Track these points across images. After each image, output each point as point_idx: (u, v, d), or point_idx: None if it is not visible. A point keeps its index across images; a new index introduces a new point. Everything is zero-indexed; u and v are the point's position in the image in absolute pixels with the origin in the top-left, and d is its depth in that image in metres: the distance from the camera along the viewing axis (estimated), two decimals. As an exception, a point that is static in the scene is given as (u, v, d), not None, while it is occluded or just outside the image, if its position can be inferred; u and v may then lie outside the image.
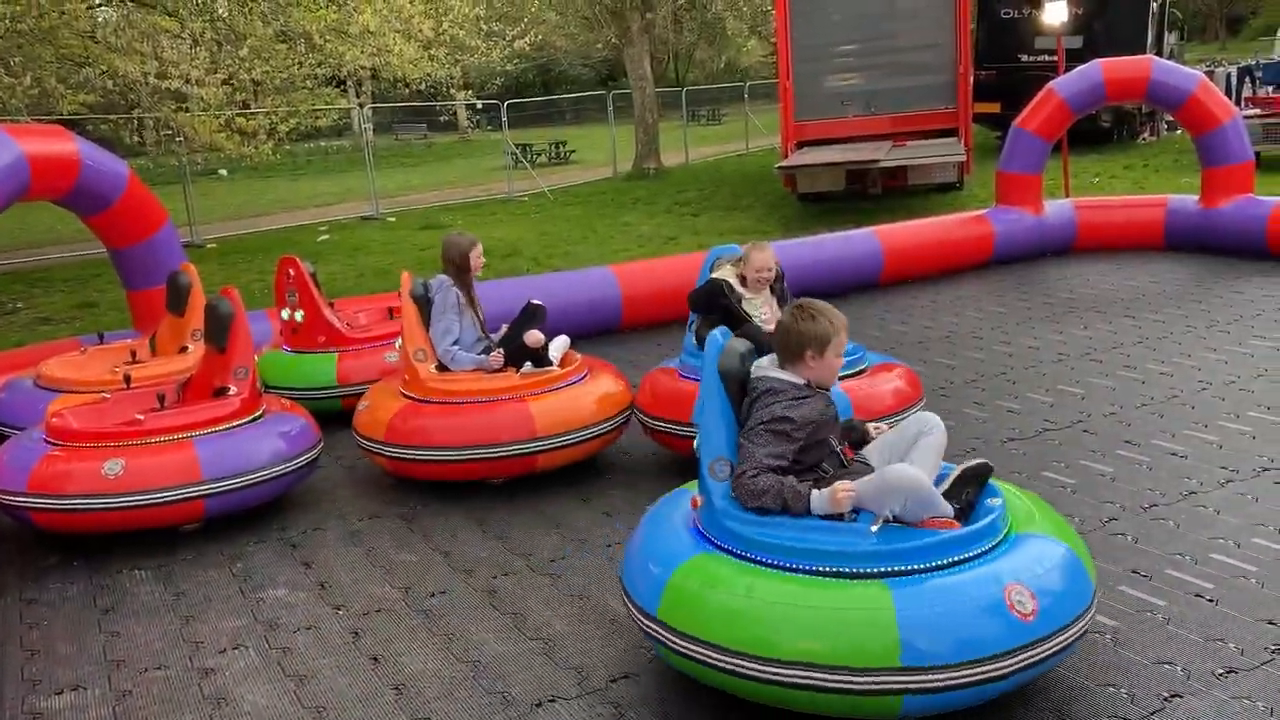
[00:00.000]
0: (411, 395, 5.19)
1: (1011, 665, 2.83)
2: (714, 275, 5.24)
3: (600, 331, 8.38)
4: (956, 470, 3.26)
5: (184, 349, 6.31)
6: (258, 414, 5.07)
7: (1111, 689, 3.17)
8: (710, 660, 2.97)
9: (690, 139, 26.53)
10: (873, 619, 2.82)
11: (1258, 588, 3.71)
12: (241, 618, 4.03)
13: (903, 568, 2.93)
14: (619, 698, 3.31)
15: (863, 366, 5.21)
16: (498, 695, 3.37)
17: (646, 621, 3.16)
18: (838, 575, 2.95)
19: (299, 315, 6.39)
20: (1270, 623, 3.48)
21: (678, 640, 3.04)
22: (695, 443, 3.44)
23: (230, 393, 5.09)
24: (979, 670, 2.80)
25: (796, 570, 3.00)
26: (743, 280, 5.18)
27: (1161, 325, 7.49)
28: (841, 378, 4.65)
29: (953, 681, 2.79)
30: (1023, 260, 10.17)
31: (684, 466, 5.29)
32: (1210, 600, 3.65)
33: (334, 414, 6.32)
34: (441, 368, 5.35)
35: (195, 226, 16.08)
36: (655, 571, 3.21)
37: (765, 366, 3.40)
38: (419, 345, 5.35)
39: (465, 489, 5.22)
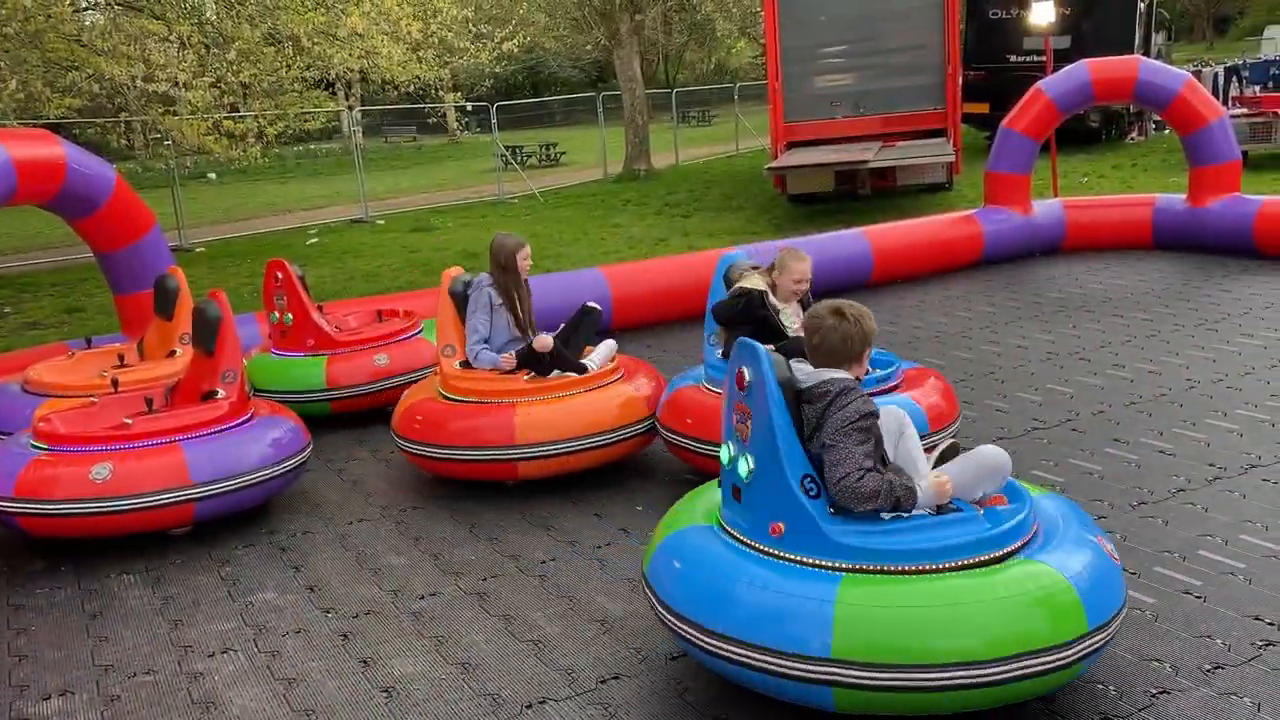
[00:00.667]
0: (440, 391, 5.26)
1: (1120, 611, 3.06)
2: (745, 285, 4.93)
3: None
4: (936, 453, 3.44)
5: (172, 353, 6.29)
6: (246, 417, 5.05)
7: (1100, 685, 3.17)
8: (921, 683, 2.77)
9: (680, 140, 26.55)
10: (1055, 594, 2.87)
11: (1245, 584, 3.73)
12: (230, 621, 4.02)
13: (1035, 542, 3.11)
14: (609, 698, 3.30)
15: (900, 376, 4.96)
16: (488, 697, 3.36)
17: (812, 667, 2.82)
18: (992, 562, 2.97)
19: (288, 318, 6.38)
20: (1258, 619, 3.49)
21: (868, 675, 2.77)
22: (727, 458, 3.21)
23: (218, 396, 5.07)
24: (1117, 620, 3.02)
25: (956, 568, 2.94)
26: (772, 288, 4.95)
27: (1149, 324, 7.52)
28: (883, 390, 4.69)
29: (1111, 634, 3.00)
30: (1011, 260, 10.20)
31: (670, 469, 5.30)
32: (1198, 597, 3.66)
33: (323, 417, 6.32)
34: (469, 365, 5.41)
35: (184, 230, 16.03)
36: (811, 605, 2.87)
37: (813, 370, 3.24)
38: (448, 341, 5.43)
39: (455, 491, 5.22)
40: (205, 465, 4.68)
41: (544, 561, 4.35)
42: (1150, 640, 3.41)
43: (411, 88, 14.44)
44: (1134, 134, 20.80)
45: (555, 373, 5.22)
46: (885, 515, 3.08)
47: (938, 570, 2.93)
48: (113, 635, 3.97)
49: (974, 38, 19.93)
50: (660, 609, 3.18)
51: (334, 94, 28.81)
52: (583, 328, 5.50)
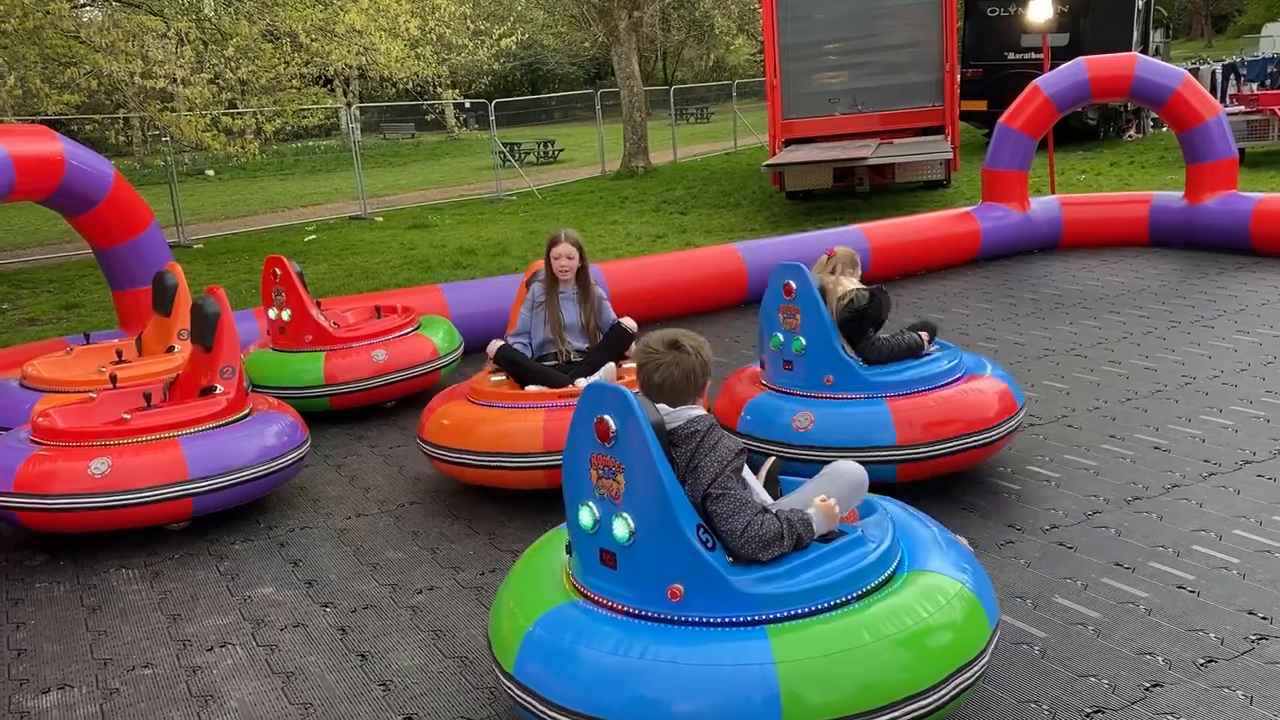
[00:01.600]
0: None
1: None
2: (862, 287, 4.80)
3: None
4: (763, 474, 3.28)
5: (170, 349, 6.30)
6: (244, 413, 5.07)
7: (1093, 679, 3.20)
8: None
9: (679, 137, 26.56)
10: (966, 601, 2.84)
11: (1239, 579, 3.75)
12: (229, 615, 4.04)
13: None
14: (606, 692, 3.32)
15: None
16: (485, 691, 3.38)
17: None
18: (889, 581, 2.85)
19: (286, 315, 6.39)
20: (1251, 613, 3.51)
21: None
22: (591, 522, 2.79)
23: (217, 392, 5.08)
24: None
25: (870, 592, 2.78)
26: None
27: (1146, 321, 7.54)
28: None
29: (998, 628, 3.01)
30: (1009, 257, 10.22)
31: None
32: (1192, 591, 3.68)
33: (321, 413, 6.34)
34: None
35: (182, 227, 16.04)
36: (748, 672, 2.54)
37: (673, 409, 2.93)
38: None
39: (453, 487, 5.24)
40: (203, 460, 4.69)
41: (541, 556, 4.36)
42: (1144, 634, 3.43)
43: (410, 84, 14.43)
44: (1132, 131, 20.83)
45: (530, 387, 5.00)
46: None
47: (857, 598, 2.74)
48: (111, 629, 3.99)
49: (972, 35, 19.96)
50: (549, 712, 2.68)
51: (332, 91, 28.79)
52: (617, 348, 5.16)
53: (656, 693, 2.55)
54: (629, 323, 5.20)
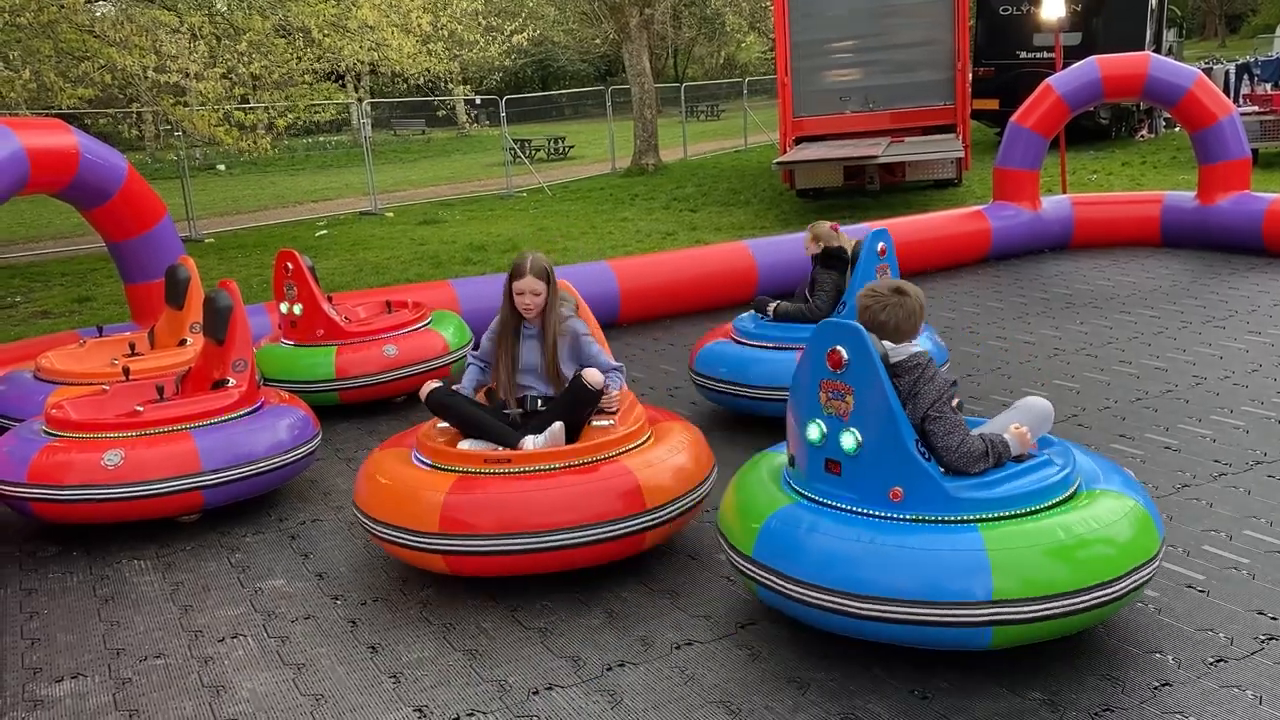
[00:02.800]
0: None
1: None
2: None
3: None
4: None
5: (183, 342, 6.33)
6: (256, 406, 5.09)
7: (1102, 678, 3.20)
8: (1071, 608, 3.06)
9: (689, 135, 26.55)
10: (1139, 515, 3.31)
11: (1248, 579, 3.75)
12: (240, 607, 4.06)
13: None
14: (614, 685, 3.34)
15: None
16: (495, 683, 3.40)
17: (974, 612, 3.01)
18: (1073, 497, 3.36)
19: (297, 309, 6.41)
20: (1261, 613, 3.51)
21: (1026, 609, 3.02)
22: (819, 436, 3.30)
23: (229, 385, 5.11)
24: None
25: (1059, 504, 3.28)
26: None
27: (1157, 321, 7.52)
28: None
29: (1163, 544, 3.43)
30: (1020, 256, 10.20)
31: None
32: (1201, 591, 3.68)
33: (332, 406, 6.36)
34: None
35: (194, 221, 16.10)
36: (967, 556, 3.05)
37: (896, 345, 3.42)
38: None
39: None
40: (216, 453, 4.72)
41: (551, 551, 4.37)
42: (1153, 633, 3.43)
43: (421, 80, 14.45)
44: (1144, 131, 20.75)
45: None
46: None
47: (1049, 507, 3.24)
48: (124, 620, 4.01)
49: (984, 34, 19.89)
50: (787, 585, 3.23)
51: (343, 86, 28.83)
52: (563, 404, 4.28)
53: (881, 572, 3.08)
54: (593, 377, 4.17)
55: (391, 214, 17.54)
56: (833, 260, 5.72)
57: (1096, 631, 3.45)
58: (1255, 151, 14.37)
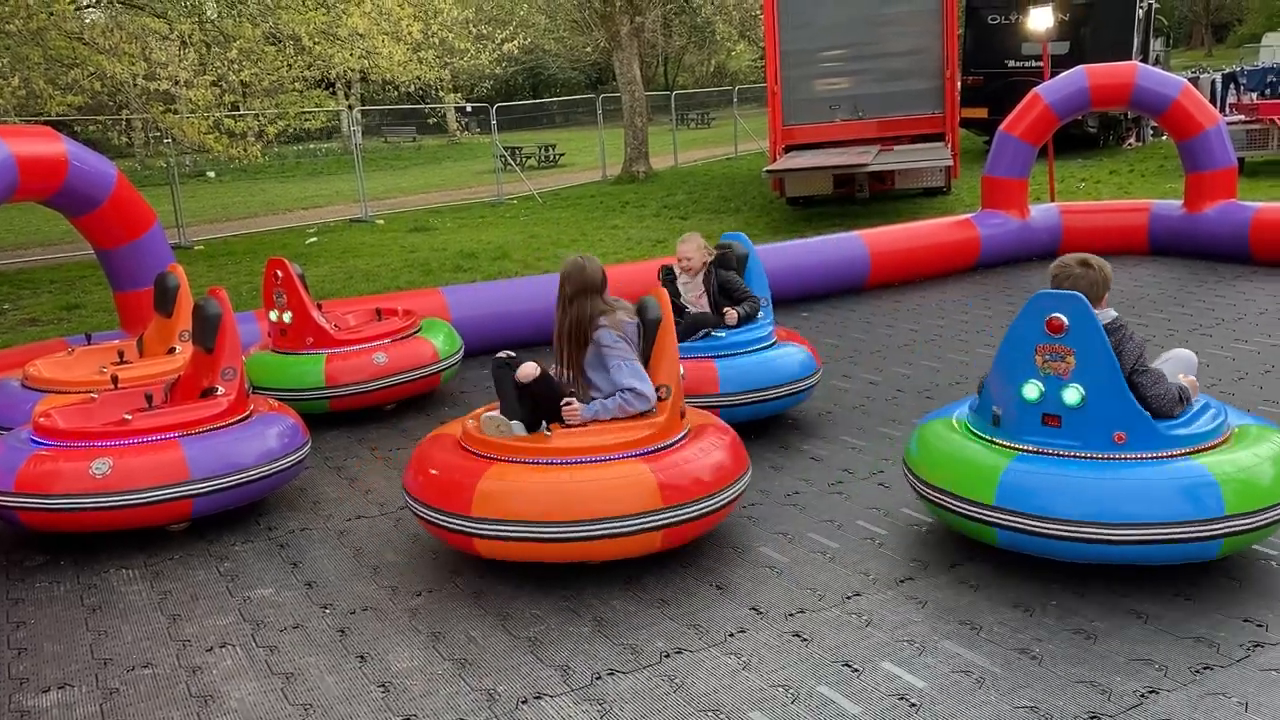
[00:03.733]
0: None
1: None
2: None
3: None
4: None
5: (172, 350, 6.32)
6: (245, 414, 5.08)
7: (1089, 685, 3.21)
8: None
9: (679, 143, 26.60)
10: None
11: (1236, 586, 3.77)
12: (229, 616, 4.05)
13: None
14: (603, 694, 3.34)
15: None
16: (483, 692, 3.39)
17: (1209, 527, 3.59)
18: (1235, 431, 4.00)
19: (287, 317, 6.41)
20: (1247, 620, 3.53)
21: (1251, 520, 3.63)
22: (1037, 394, 3.85)
23: (218, 393, 5.10)
24: None
25: (1234, 436, 3.94)
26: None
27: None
28: None
29: None
30: (1008, 264, 10.24)
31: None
32: (1188, 599, 3.70)
33: (322, 414, 6.35)
34: None
35: (183, 228, 16.06)
36: (1200, 480, 3.64)
37: (1099, 310, 3.90)
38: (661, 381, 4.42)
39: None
40: (204, 462, 4.71)
41: (541, 559, 4.37)
42: (1139, 641, 3.44)
43: (412, 88, 14.45)
44: (1131, 140, 20.87)
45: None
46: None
47: (1230, 437, 3.90)
48: (112, 629, 4.00)
49: (972, 43, 19.99)
50: (1037, 524, 3.71)
51: (334, 94, 28.82)
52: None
53: (1128, 502, 3.64)
54: (523, 371, 4.31)
55: (382, 221, 17.52)
56: (725, 260, 6.00)
57: (1078, 641, 3.47)
58: (1241, 160, 14.44)
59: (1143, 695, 3.14)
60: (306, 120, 13.79)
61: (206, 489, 4.69)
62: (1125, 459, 3.75)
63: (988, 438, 4.02)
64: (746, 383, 5.54)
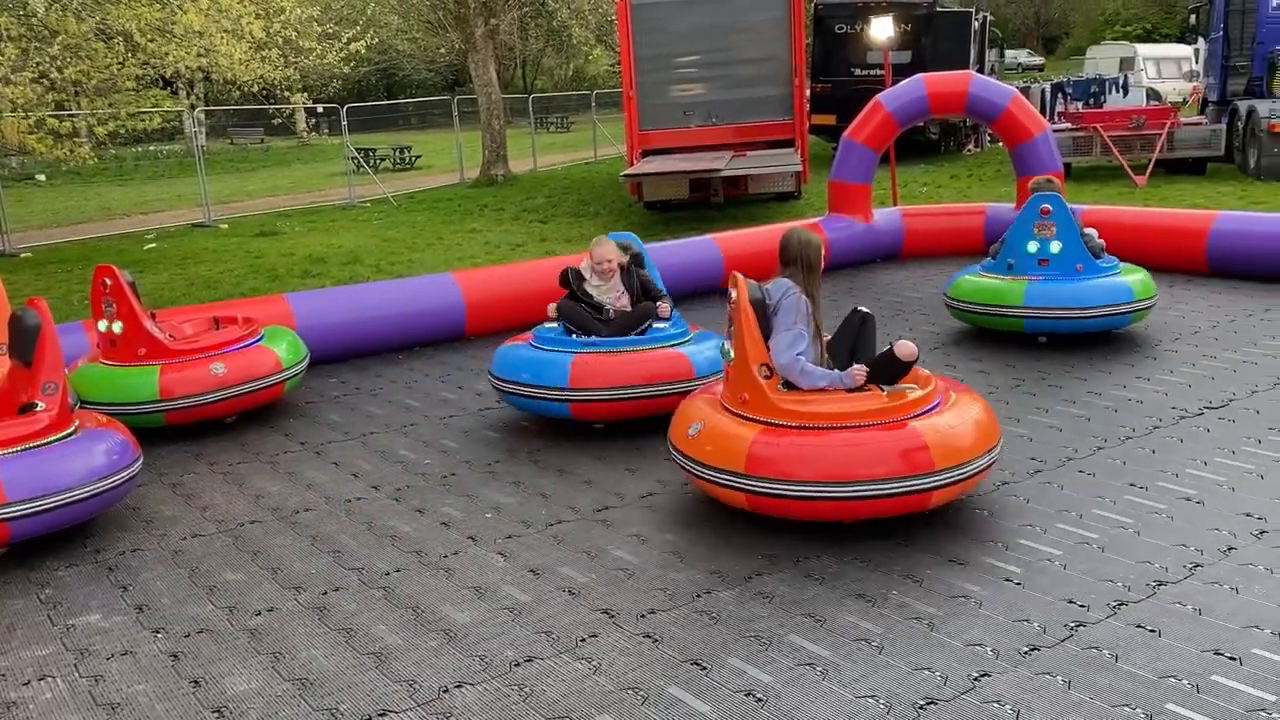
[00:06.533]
0: (758, 419, 4.41)
1: None
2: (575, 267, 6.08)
3: (444, 340, 8.29)
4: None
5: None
6: (69, 431, 4.79)
7: (925, 671, 3.32)
8: None
9: (539, 146, 26.50)
10: None
11: (1060, 569, 3.96)
12: (49, 646, 3.80)
13: None
14: (450, 707, 3.27)
15: None
16: (326, 712, 3.28)
17: None
18: None
19: (117, 327, 6.08)
20: (1070, 602, 3.71)
21: None
22: (1035, 247, 6.97)
23: (38, 409, 4.79)
24: None
25: None
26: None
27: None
28: None
29: None
30: (854, 265, 10.56)
31: (516, 473, 5.29)
32: (1017, 584, 3.87)
33: (158, 429, 6.05)
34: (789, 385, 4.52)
35: (8, 235, 15.10)
36: None
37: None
38: (761, 360, 4.50)
39: (296, 504, 5.08)
40: (22, 482, 4.41)
41: (388, 573, 4.26)
42: (973, 626, 3.58)
43: (256, 88, 13.93)
44: (971, 146, 21.86)
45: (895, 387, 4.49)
46: None
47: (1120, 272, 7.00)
48: (-85, 667, 3.70)
49: (821, 51, 20.57)
50: (1055, 311, 6.73)
51: (175, 93, 27.54)
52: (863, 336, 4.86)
53: (1093, 294, 6.86)
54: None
55: (226, 226, 16.85)
56: (637, 260, 6.21)
57: (919, 628, 3.59)
58: (1068, 166, 15.32)
59: (975, 679, 3.27)
60: (142, 121, 13.07)
61: (25, 511, 4.39)
62: (1086, 279, 6.86)
63: (1008, 276, 7.08)
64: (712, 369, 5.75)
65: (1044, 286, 6.88)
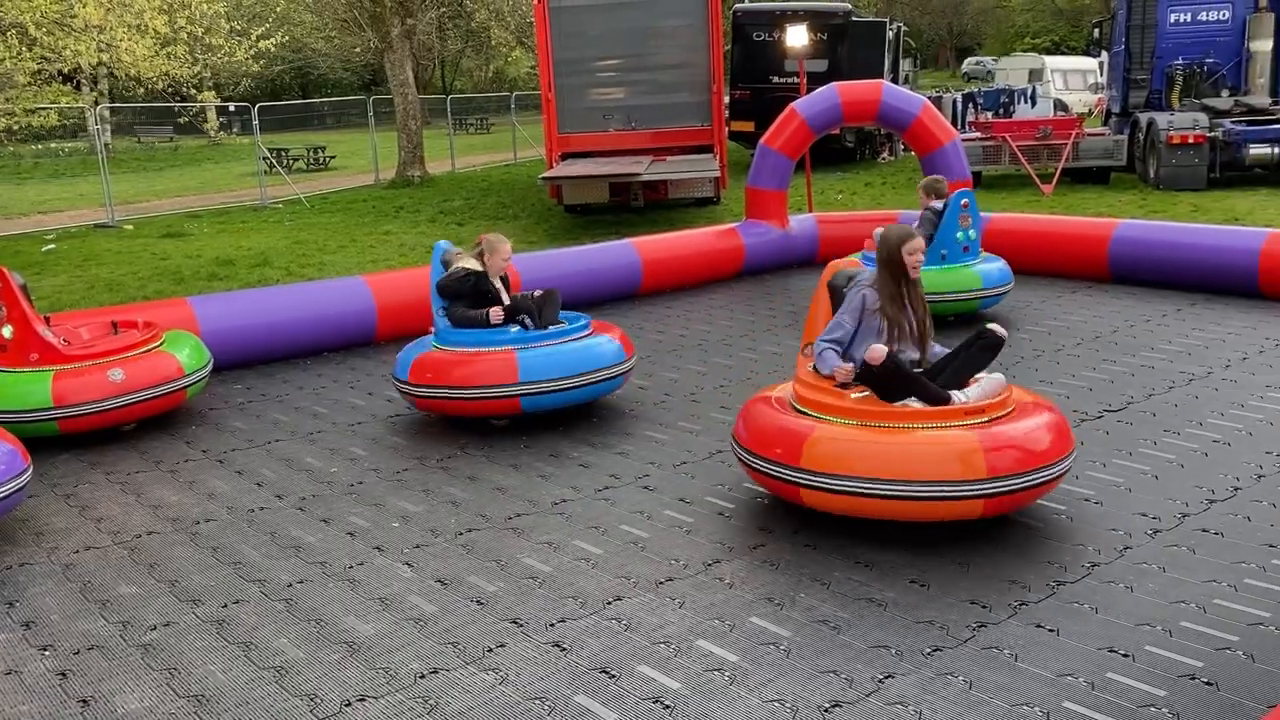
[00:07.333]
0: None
1: None
2: (463, 265, 6.00)
3: (356, 344, 8.14)
4: None
5: None
6: (-49, 440, 4.57)
7: (833, 675, 3.34)
8: None
9: (458, 148, 26.25)
10: None
11: (963, 571, 4.03)
12: (-74, 668, 3.62)
13: None
14: (353, 722, 3.19)
15: None
16: (221, 731, 3.17)
17: None
18: None
19: (7, 331, 5.83)
20: (973, 603, 3.78)
21: None
22: (961, 235, 7.99)
23: (-83, 418, 4.56)
24: None
25: None
26: (484, 267, 6.08)
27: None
28: None
29: None
30: (770, 271, 10.66)
31: (433, 470, 5.21)
32: (922, 586, 3.93)
33: (51, 438, 5.82)
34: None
35: (-106, 233, 14.41)
36: None
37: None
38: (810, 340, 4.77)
39: (196, 514, 4.93)
40: (-101, 495, 4.20)
41: (291, 585, 4.15)
42: (878, 628, 3.62)
43: (161, 85, 13.51)
44: (885, 154, 22.28)
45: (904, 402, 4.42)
46: None
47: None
48: None
49: (739, 58, 20.74)
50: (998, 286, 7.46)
51: (78, 88, 26.63)
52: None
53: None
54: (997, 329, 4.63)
55: (131, 226, 16.33)
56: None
57: (825, 631, 3.62)
58: (978, 174, 15.70)
59: (880, 680, 3.31)
60: (38, 117, 12.58)
61: (-99, 526, 4.18)
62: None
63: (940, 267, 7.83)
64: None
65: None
